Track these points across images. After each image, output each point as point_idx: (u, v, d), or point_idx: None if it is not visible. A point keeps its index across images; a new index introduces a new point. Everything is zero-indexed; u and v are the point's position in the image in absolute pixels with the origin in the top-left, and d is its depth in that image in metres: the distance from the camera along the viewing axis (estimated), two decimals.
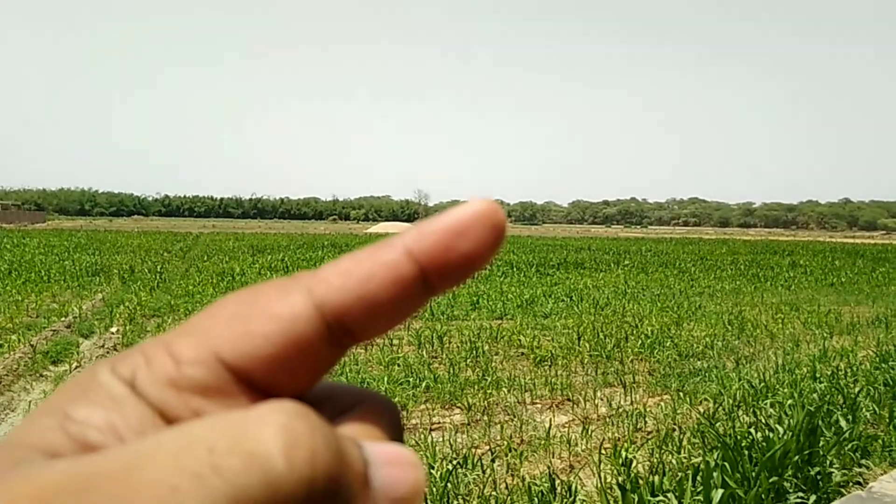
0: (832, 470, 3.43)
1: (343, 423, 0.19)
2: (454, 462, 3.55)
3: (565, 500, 3.14)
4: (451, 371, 5.75)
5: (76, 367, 5.81)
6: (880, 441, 3.88)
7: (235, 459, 0.13)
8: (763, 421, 4.05)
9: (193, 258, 17.92)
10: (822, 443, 3.52)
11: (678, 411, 4.76)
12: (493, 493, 3.30)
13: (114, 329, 7.42)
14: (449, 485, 3.23)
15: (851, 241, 54.27)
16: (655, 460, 3.70)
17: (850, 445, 3.69)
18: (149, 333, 7.23)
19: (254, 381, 0.17)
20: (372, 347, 6.59)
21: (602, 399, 5.18)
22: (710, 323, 8.52)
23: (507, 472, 3.72)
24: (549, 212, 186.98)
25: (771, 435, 3.52)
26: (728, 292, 12.52)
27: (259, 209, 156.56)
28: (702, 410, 4.64)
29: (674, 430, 4.24)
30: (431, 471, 3.39)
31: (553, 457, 4.00)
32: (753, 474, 3.13)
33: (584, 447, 4.13)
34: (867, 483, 3.33)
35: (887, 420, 4.17)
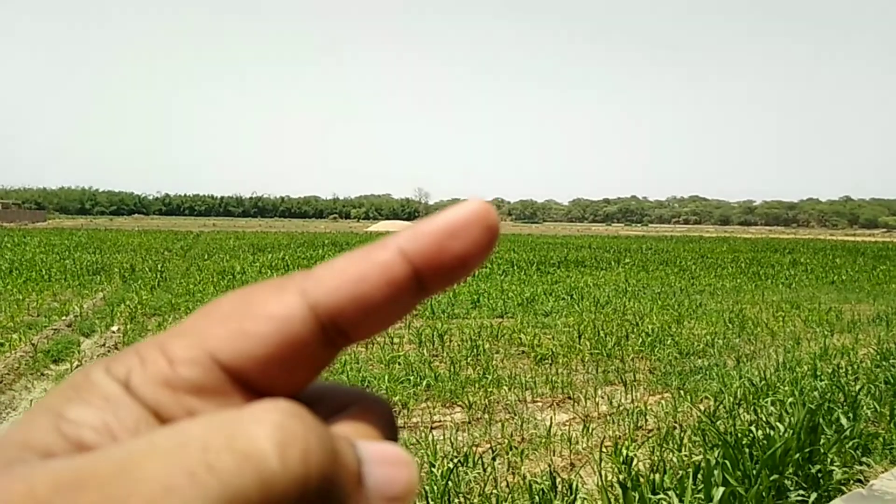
0: (833, 468, 3.43)
1: (337, 422, 0.19)
2: (455, 460, 3.55)
3: (566, 499, 3.14)
4: (452, 369, 5.75)
5: (77, 366, 5.81)
6: (881, 439, 3.87)
7: (229, 458, 0.14)
8: (764, 419, 4.04)
9: (194, 257, 17.93)
10: (822, 441, 3.52)
11: (679, 409, 4.76)
12: (494, 491, 3.30)
13: (115, 328, 7.42)
14: (450, 483, 3.23)
15: (852, 238, 54.28)
16: (656, 458, 3.70)
17: (850, 443, 3.68)
18: (150, 332, 7.23)
19: (248, 381, 0.17)
20: (372, 346, 6.59)
21: (603, 397, 5.18)
22: (711, 321, 8.51)
23: (507, 470, 3.72)
24: (549, 210, 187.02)
25: (772, 433, 3.51)
26: (729, 290, 12.51)
27: (259, 208, 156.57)
28: (702, 408, 4.63)
29: (674, 428, 4.24)
30: (432, 469, 3.40)
31: (554, 455, 4.00)
32: (754, 472, 3.14)
33: (584, 445, 4.13)
34: (868, 481, 3.33)
35: (888, 418, 4.17)
